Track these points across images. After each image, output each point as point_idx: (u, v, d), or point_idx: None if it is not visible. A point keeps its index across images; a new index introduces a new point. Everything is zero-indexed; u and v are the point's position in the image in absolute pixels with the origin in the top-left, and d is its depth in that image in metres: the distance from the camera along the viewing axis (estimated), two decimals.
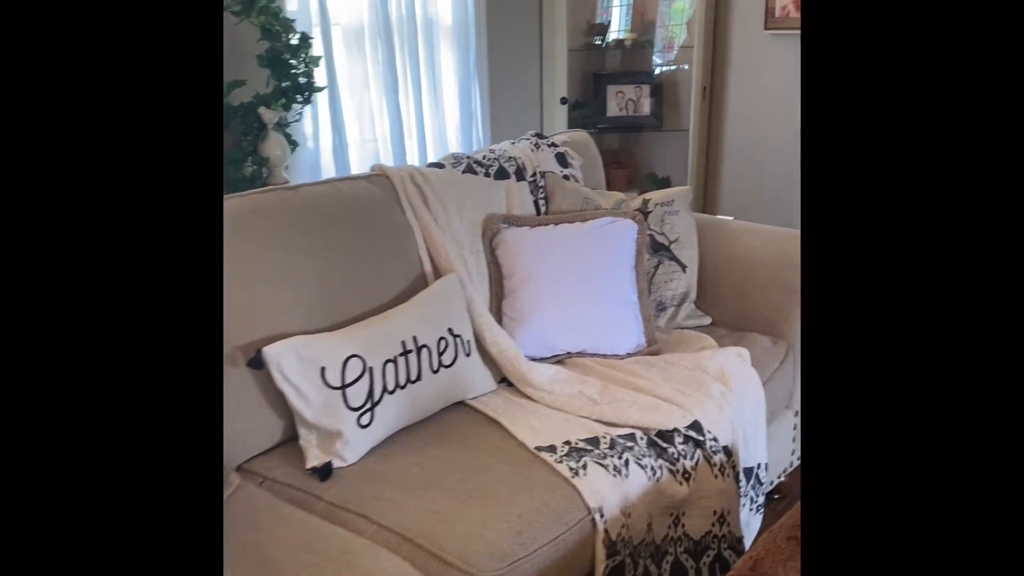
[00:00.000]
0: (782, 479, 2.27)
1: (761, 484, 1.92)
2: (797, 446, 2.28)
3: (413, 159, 2.83)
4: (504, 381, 1.93)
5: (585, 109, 3.53)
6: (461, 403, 1.82)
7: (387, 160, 2.76)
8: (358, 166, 2.67)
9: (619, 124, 3.56)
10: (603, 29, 3.54)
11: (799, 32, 3.08)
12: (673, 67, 3.49)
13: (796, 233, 2.18)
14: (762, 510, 1.94)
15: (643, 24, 3.59)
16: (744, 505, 1.86)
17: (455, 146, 3.01)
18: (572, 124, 3.43)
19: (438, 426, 1.72)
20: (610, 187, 3.67)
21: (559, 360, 2.00)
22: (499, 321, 2.02)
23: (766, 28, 3.16)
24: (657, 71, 3.56)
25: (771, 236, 2.19)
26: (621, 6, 3.61)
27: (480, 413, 1.77)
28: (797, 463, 2.33)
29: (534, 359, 1.98)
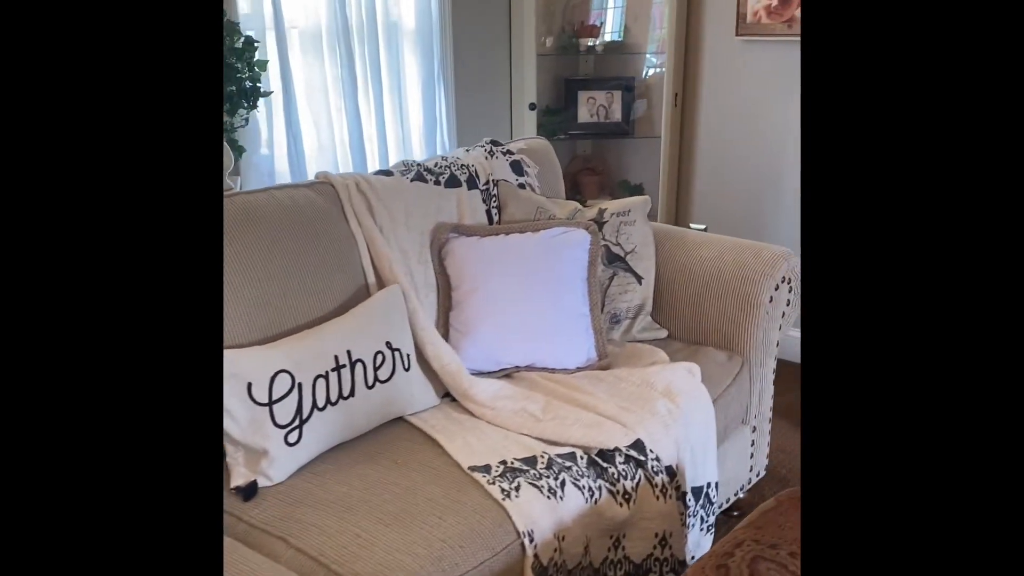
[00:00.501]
0: (740, 496, 2.22)
1: (712, 504, 1.87)
2: (755, 462, 2.23)
3: (374, 165, 2.78)
4: (448, 396, 1.87)
5: (556, 115, 3.48)
6: (401, 419, 1.77)
7: (347, 167, 2.71)
8: (315, 172, 2.60)
9: (590, 130, 3.51)
10: (596, 31, 3.48)
11: (770, 39, 3.04)
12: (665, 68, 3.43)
13: (754, 244, 2.13)
14: (712, 530, 1.89)
15: (620, 29, 3.54)
16: (694, 525, 1.81)
17: (419, 152, 2.96)
18: (542, 130, 3.38)
19: (373, 444, 1.67)
20: (582, 193, 3.64)
21: (507, 374, 1.95)
22: (446, 333, 1.97)
23: (737, 34, 3.11)
24: (651, 71, 3.51)
25: (729, 248, 2.14)
26: (615, 7, 3.56)
27: (418, 430, 1.72)
28: (756, 479, 2.28)
29: (481, 373, 1.93)
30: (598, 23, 3.52)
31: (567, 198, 3.60)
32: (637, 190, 3.59)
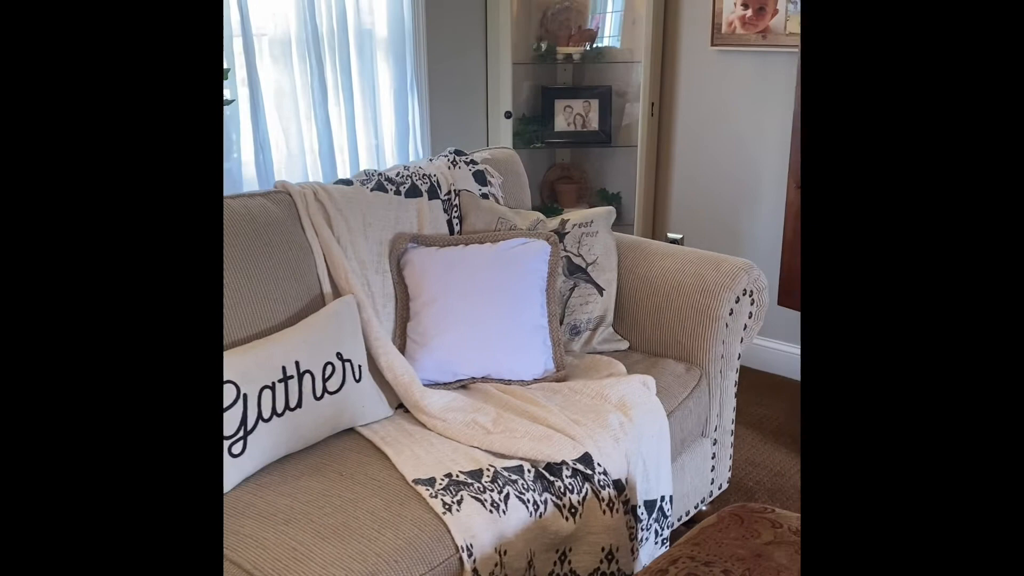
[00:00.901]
0: (701, 508, 2.21)
1: (666, 517, 1.86)
2: (717, 475, 2.22)
3: (345, 174, 2.77)
4: (402, 407, 1.87)
5: (533, 124, 3.48)
6: (352, 430, 1.76)
7: (316, 176, 2.70)
8: (275, 182, 2.60)
9: (567, 139, 3.50)
10: (593, 35, 3.47)
11: (745, 49, 3.04)
12: None
13: (716, 257, 2.12)
14: (667, 543, 1.88)
15: (619, 33, 3.51)
16: (647, 539, 1.81)
17: (392, 162, 2.95)
18: (519, 139, 3.38)
19: (321, 455, 1.66)
20: (559, 202, 3.63)
21: (463, 385, 1.94)
22: (403, 344, 1.96)
23: (712, 44, 3.11)
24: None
25: (690, 260, 2.13)
26: (614, 12, 3.55)
27: (368, 442, 1.71)
28: (718, 492, 2.27)
29: (437, 384, 1.92)
30: (596, 28, 3.50)
31: (546, 206, 3.61)
32: (615, 199, 3.59)
